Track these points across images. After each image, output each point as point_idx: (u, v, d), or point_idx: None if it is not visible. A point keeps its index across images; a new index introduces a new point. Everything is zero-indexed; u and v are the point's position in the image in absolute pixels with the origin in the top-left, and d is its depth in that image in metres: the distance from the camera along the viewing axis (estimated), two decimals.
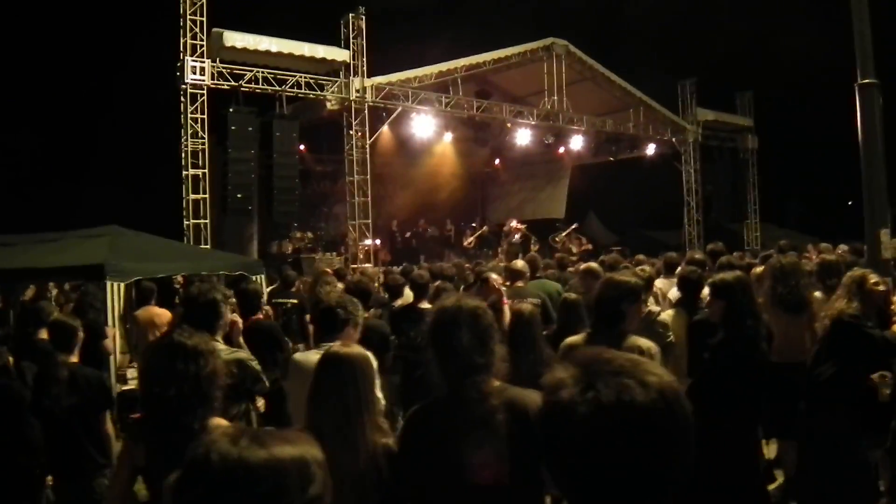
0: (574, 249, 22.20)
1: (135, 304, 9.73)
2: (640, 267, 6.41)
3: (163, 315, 9.03)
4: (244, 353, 4.81)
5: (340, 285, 7.99)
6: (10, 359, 5.45)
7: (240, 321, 5.29)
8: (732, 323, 4.56)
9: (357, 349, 3.09)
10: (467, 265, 13.32)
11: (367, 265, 17.62)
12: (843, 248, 11.14)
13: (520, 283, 7.22)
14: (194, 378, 2.86)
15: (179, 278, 11.70)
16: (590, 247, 22.84)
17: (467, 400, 2.62)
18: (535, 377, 4.75)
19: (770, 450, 6.30)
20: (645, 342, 4.14)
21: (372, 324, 5.84)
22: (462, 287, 9.15)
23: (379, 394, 3.45)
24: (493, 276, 7.54)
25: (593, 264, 7.58)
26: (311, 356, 4.01)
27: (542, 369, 4.65)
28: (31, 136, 23.57)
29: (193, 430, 2.78)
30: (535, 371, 4.83)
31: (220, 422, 2.94)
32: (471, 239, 23.97)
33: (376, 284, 10.44)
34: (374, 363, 3.27)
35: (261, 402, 4.97)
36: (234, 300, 6.60)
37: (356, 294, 4.59)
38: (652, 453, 1.27)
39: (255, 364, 4.74)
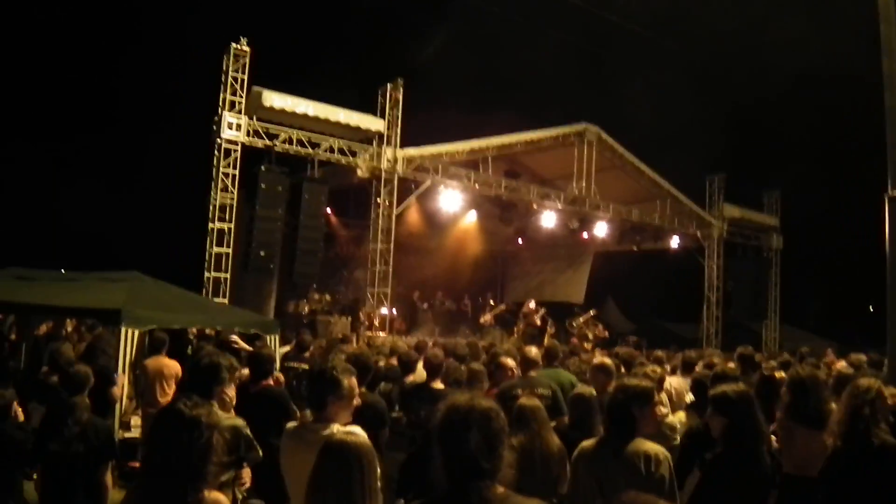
0: (590, 336, 22.05)
1: (146, 352, 9.71)
2: (650, 367, 6.28)
3: (172, 366, 9.02)
4: (240, 421, 4.77)
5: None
6: (16, 401, 5.39)
7: (230, 397, 5.23)
8: (731, 441, 4.40)
9: (361, 437, 3.03)
10: (482, 343, 13.23)
11: (380, 333, 17.58)
12: (861, 358, 10.88)
13: (532, 373, 7.13)
14: (188, 449, 2.80)
15: (194, 330, 11.70)
16: (606, 334, 22.68)
17: None
18: (546, 475, 4.70)
19: None
20: (652, 446, 4.06)
21: (368, 399, 5.79)
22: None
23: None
24: (508, 360, 7.46)
25: (607, 360, 7.46)
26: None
27: (554, 466, 4.62)
28: (59, 177, 23.95)
29: (186, 502, 2.73)
30: (546, 468, 4.77)
31: (216, 496, 2.88)
32: (488, 316, 23.87)
33: (382, 356, 10.24)
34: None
35: (246, 473, 4.88)
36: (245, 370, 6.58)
37: (354, 367, 4.53)
38: None
39: (248, 432, 4.70)
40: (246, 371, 6.58)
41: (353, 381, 4.19)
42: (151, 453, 2.91)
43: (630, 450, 4.05)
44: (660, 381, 6.03)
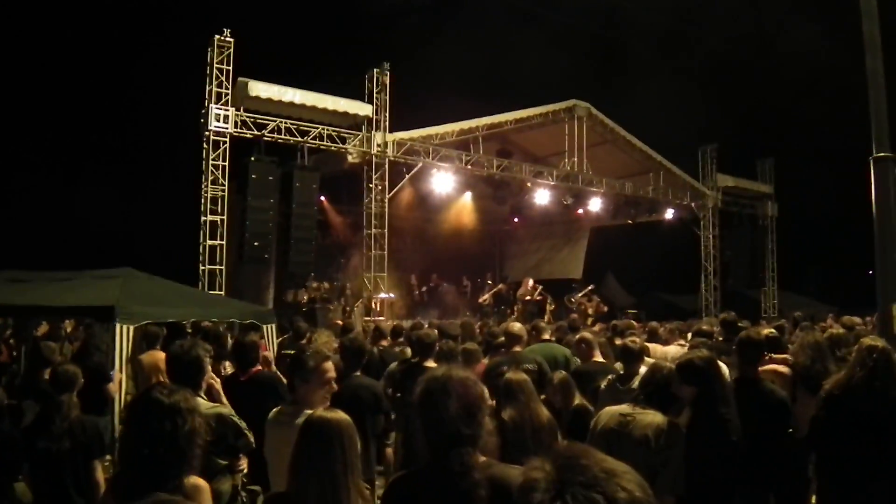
0: (590, 311, 22.12)
1: (142, 347, 9.72)
2: (631, 339, 6.31)
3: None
4: (225, 409, 4.78)
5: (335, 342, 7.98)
6: (6, 399, 5.44)
7: (216, 382, 5.27)
8: (703, 411, 4.37)
9: (340, 414, 3.04)
10: (479, 324, 13.28)
11: (380, 318, 17.59)
12: (854, 320, 10.84)
13: (517, 348, 7.14)
14: (170, 437, 2.74)
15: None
16: (605, 309, 22.73)
17: (450, 472, 2.56)
18: (537, 447, 4.78)
19: None
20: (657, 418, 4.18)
21: (363, 382, 5.82)
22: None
23: None
24: (515, 325, 7.57)
25: (586, 333, 7.60)
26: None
27: (545, 437, 4.68)
28: (50, 173, 23.90)
29: (168, 489, 2.72)
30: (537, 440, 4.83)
31: (197, 481, 2.88)
32: (486, 296, 23.91)
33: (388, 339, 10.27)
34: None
35: (243, 462, 4.89)
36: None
37: (351, 352, 4.53)
38: None
39: (236, 419, 4.70)
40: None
41: (326, 364, 4.18)
42: (128, 443, 2.84)
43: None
44: (642, 350, 6.06)
